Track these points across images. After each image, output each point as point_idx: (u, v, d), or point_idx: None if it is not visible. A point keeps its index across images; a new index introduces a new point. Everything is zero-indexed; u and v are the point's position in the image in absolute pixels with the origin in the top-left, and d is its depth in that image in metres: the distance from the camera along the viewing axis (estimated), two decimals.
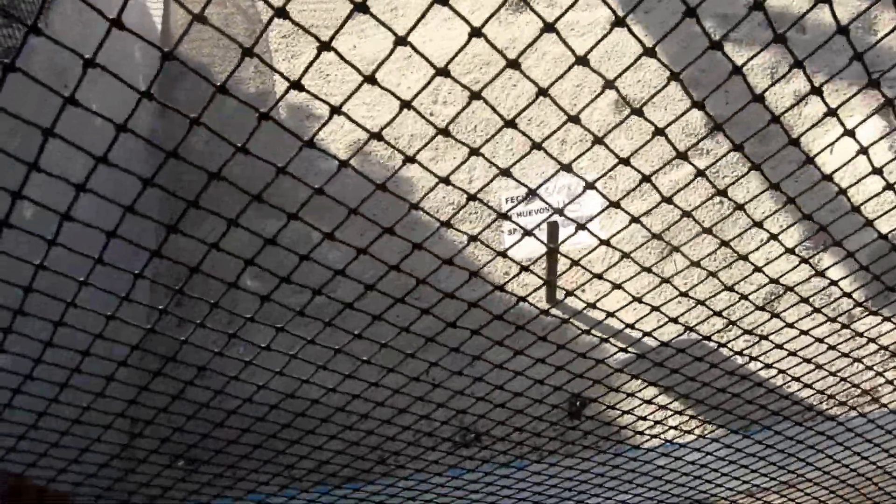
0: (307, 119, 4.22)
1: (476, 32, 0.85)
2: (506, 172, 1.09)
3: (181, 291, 1.02)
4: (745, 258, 1.43)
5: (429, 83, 0.89)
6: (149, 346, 3.23)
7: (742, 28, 4.53)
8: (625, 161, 1.11)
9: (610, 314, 1.49)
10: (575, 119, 1.02)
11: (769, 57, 4.30)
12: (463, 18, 0.88)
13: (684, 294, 1.52)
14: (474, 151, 1.03)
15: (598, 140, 1.09)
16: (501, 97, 4.22)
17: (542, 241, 1.23)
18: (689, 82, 4.12)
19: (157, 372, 1.17)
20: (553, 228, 3.11)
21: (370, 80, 0.87)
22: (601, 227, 3.59)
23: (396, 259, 1.19)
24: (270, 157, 0.94)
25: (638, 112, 1.04)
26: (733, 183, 1.24)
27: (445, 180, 1.06)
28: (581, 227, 1.22)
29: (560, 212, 1.19)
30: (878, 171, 1.33)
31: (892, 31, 1.21)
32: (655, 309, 1.53)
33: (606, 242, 1.28)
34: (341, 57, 0.84)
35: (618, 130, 4.18)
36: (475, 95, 0.94)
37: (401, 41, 0.85)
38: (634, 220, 1.26)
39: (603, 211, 1.19)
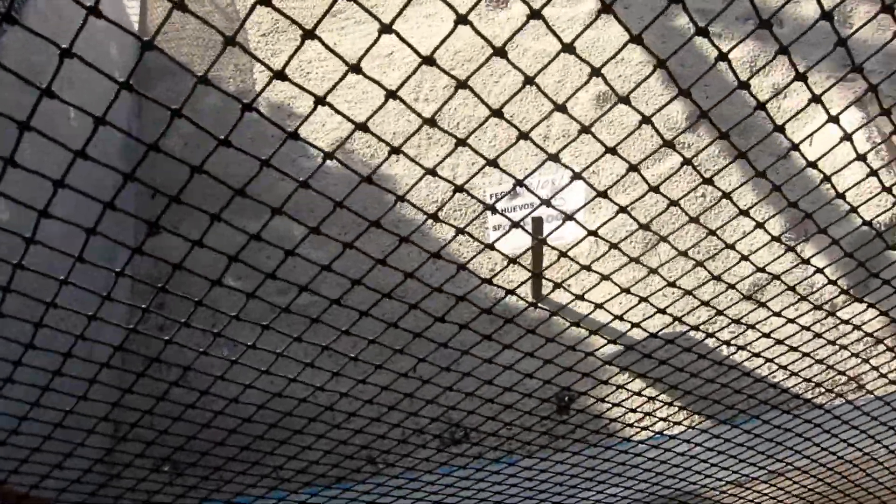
0: (288, 118, 4.19)
1: (462, 20, 0.84)
2: (492, 163, 1.08)
3: (164, 289, 0.99)
4: (731, 247, 1.43)
5: (415, 71, 0.87)
6: (131, 347, 3.19)
7: (719, 23, 4.56)
8: (612, 150, 1.10)
9: (598, 305, 1.49)
10: (561, 108, 1.01)
11: (748, 51, 4.33)
12: (449, 6, 0.87)
13: (671, 284, 1.51)
14: (461, 142, 1.02)
15: (584, 129, 1.08)
16: (483, 93, 4.21)
17: (529, 233, 1.22)
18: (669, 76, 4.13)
19: (141, 373, 1.14)
20: (537, 224, 3.11)
21: (355, 69, 0.86)
22: (584, 223, 3.59)
23: (379, 258, 1.17)
24: (247, 162, 0.92)
25: (625, 100, 1.03)
26: (715, 174, 1.24)
27: (432, 171, 1.05)
28: (569, 217, 1.21)
29: (547, 202, 1.18)
30: (861, 158, 1.34)
31: (868, 21, 1.22)
32: (644, 300, 1.53)
33: (594, 233, 1.28)
34: (325, 45, 0.82)
35: (599, 126, 4.19)
36: (461, 84, 0.93)
37: (386, 29, 0.83)
38: (622, 209, 1.26)
39: (591, 201, 1.19)
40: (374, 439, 1.46)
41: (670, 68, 1.02)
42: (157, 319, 3.35)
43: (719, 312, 1.63)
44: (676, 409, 3.23)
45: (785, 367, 1.92)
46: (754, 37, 4.39)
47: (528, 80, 0.96)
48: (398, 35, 0.86)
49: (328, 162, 4.06)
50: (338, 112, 0.90)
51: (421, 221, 3.98)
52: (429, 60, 0.89)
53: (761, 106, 1.14)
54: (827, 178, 1.34)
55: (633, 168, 1.16)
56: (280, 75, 0.84)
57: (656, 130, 1.11)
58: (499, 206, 3.10)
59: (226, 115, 4.09)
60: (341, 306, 1.25)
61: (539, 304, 1.37)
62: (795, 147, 1.24)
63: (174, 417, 1.30)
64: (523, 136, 1.06)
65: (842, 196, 1.40)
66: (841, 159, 3.66)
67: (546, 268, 1.43)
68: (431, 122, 0.97)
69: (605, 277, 1.42)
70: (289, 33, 4.59)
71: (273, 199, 0.98)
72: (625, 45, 0.97)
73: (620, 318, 1.53)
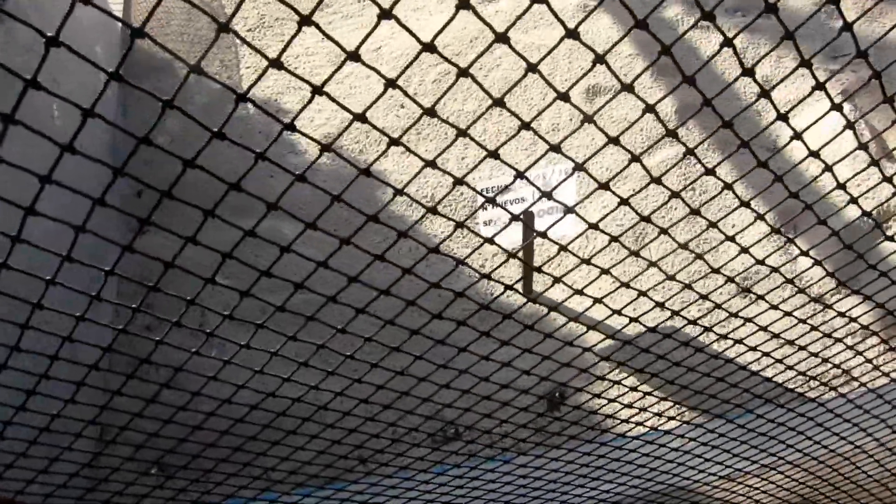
0: (277, 114, 4.13)
1: (465, 4, 0.81)
2: (493, 154, 1.06)
3: (156, 288, 0.96)
4: (732, 239, 1.41)
5: (415, 59, 0.84)
6: (116, 348, 3.13)
7: None
8: (614, 140, 1.08)
9: (597, 300, 1.46)
10: (564, 97, 0.99)
11: (737, 43, 4.32)
12: None
13: (671, 277, 1.49)
14: (462, 132, 0.99)
15: (587, 119, 1.05)
16: (473, 86, 4.18)
17: (527, 224, 1.20)
18: (661, 69, 4.13)
19: (130, 375, 1.10)
20: (528, 219, 3.09)
21: (354, 57, 0.83)
22: (576, 220, 3.57)
23: (371, 257, 1.14)
24: (237, 160, 0.89)
25: (629, 88, 1.01)
26: (717, 165, 1.22)
27: (432, 163, 1.02)
28: (570, 210, 1.19)
29: (549, 195, 1.15)
30: (863, 147, 1.32)
31: (871, 7, 1.20)
32: (642, 294, 1.51)
33: (595, 226, 1.25)
34: (323, 32, 0.79)
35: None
36: (463, 72, 0.90)
37: (386, 15, 0.80)
38: (623, 201, 1.24)
39: (592, 193, 1.16)
40: (367, 439, 1.43)
41: (662, 61, 1.00)
42: (143, 319, 3.30)
43: (718, 306, 1.62)
44: (669, 404, 3.22)
45: (781, 361, 1.91)
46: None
47: (532, 68, 0.93)
48: (397, 20, 0.83)
49: (319, 159, 4.02)
50: (335, 102, 0.87)
51: (411, 216, 3.95)
52: (429, 47, 0.86)
53: (765, 94, 1.12)
54: (829, 168, 1.32)
55: (635, 158, 1.14)
56: (276, 64, 0.81)
57: (659, 119, 1.09)
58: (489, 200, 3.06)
59: (213, 112, 4.04)
60: (336, 303, 1.21)
61: (537, 301, 1.35)
62: (798, 136, 1.22)
63: (164, 420, 1.27)
64: (525, 125, 1.03)
65: (842, 186, 1.38)
66: (830, 152, 3.66)
67: (542, 265, 1.40)
68: (432, 112, 0.94)
69: (604, 272, 1.40)
70: (275, 28, 4.54)
71: (264, 197, 0.95)
72: (630, 30, 0.94)
73: (620, 312, 1.51)
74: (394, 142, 0.97)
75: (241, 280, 3.28)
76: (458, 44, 4.42)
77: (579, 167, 1.12)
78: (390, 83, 0.89)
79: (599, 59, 0.95)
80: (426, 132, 4.09)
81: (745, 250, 1.48)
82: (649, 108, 1.06)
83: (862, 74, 4.16)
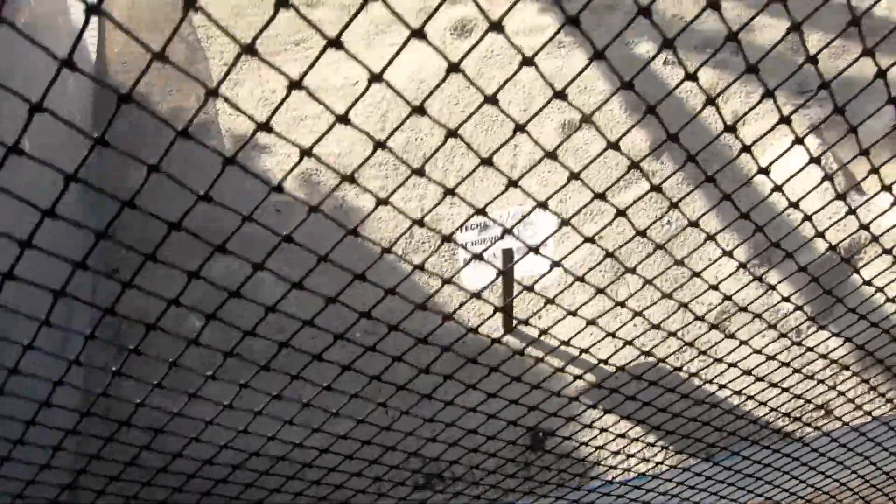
0: (253, 149, 4.11)
1: (454, 68, 0.81)
2: (481, 212, 1.05)
3: (138, 351, 0.93)
4: (697, 275, 1.42)
5: (404, 121, 0.84)
6: (86, 408, 3.05)
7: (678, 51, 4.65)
8: (600, 196, 1.08)
9: (584, 350, 1.45)
10: (552, 155, 0.99)
11: (706, 79, 4.41)
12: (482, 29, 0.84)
13: (656, 327, 1.49)
14: (449, 191, 0.98)
15: (574, 176, 1.05)
16: (445, 121, 4.21)
17: (507, 264, 1.19)
18: (634, 105, 4.19)
19: (109, 438, 1.07)
20: (508, 256, 3.09)
21: (343, 120, 0.82)
22: (555, 253, 3.57)
23: (352, 312, 1.12)
24: (209, 193, 0.87)
25: (614, 146, 1.01)
26: (681, 199, 1.23)
27: (419, 222, 1.01)
28: (556, 264, 1.18)
29: (536, 250, 1.15)
30: (841, 197, 1.34)
31: (825, 47, 1.22)
32: (628, 343, 1.50)
33: (581, 279, 1.25)
34: (315, 98, 0.78)
35: (564, 155, 4.21)
36: (452, 133, 0.90)
37: (376, 78, 0.80)
38: (609, 254, 1.23)
39: (577, 248, 1.16)
40: (353, 495, 1.40)
41: (632, 96, 1.00)
42: (109, 364, 3.22)
43: (703, 353, 1.62)
44: (656, 449, 3.21)
45: (765, 404, 1.91)
46: (713, 64, 4.48)
47: (520, 128, 0.93)
48: (388, 85, 0.82)
49: (298, 194, 3.99)
50: (325, 165, 0.86)
51: (387, 255, 3.94)
52: (420, 110, 0.85)
53: (729, 128, 1.13)
54: (793, 205, 1.34)
55: (621, 213, 1.14)
56: (265, 127, 0.79)
57: (645, 176, 1.09)
58: (468, 238, 3.07)
59: (193, 150, 4.00)
60: (321, 361, 1.19)
61: (523, 354, 1.33)
62: (763, 171, 1.23)
63: (142, 482, 1.22)
64: (512, 183, 1.03)
65: (808, 219, 1.40)
66: (799, 187, 3.73)
67: (532, 316, 1.38)
68: (420, 172, 0.94)
69: (591, 322, 1.39)
70: (251, 62, 4.54)
71: (240, 238, 0.94)
72: (617, 91, 0.94)
73: (605, 362, 1.50)
74: (382, 202, 0.96)
75: (213, 333, 3.21)
76: (436, 79, 4.46)
77: (566, 222, 1.11)
78: (379, 145, 0.88)
79: (586, 119, 0.96)
80: (403, 166, 4.09)
81: (727, 298, 1.49)
82: (634, 165, 1.06)
83: (829, 110, 4.25)
